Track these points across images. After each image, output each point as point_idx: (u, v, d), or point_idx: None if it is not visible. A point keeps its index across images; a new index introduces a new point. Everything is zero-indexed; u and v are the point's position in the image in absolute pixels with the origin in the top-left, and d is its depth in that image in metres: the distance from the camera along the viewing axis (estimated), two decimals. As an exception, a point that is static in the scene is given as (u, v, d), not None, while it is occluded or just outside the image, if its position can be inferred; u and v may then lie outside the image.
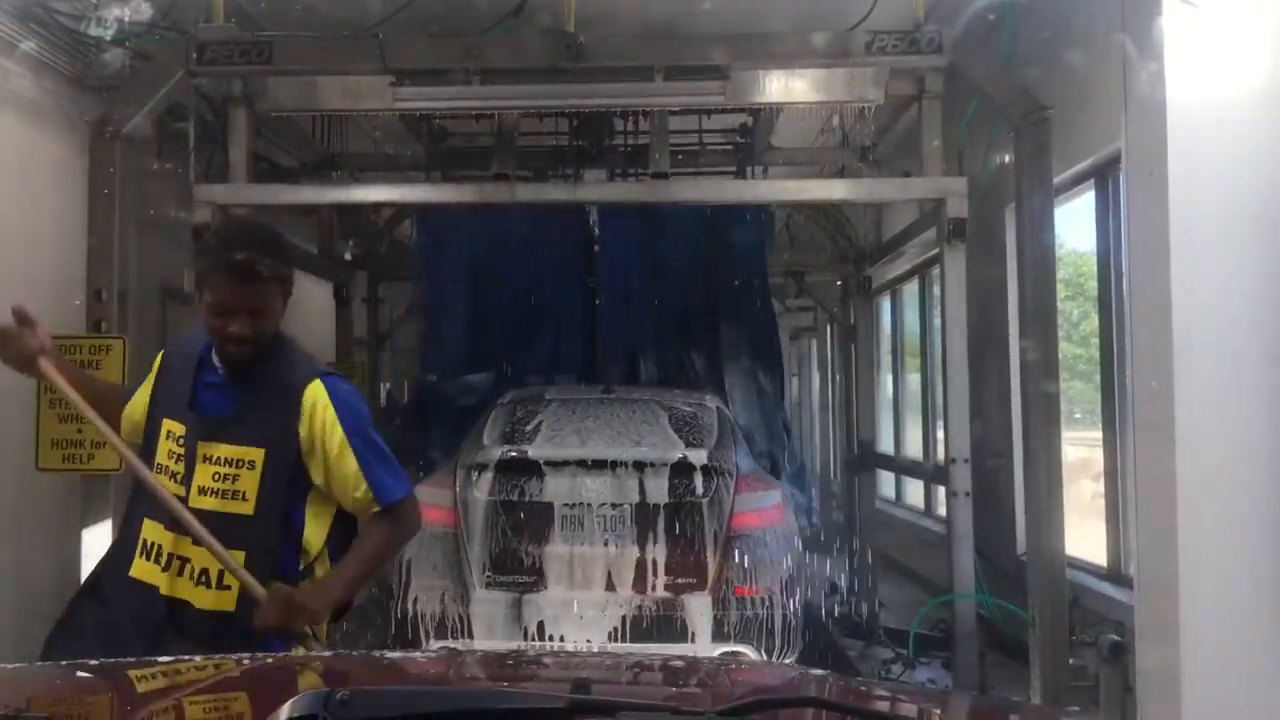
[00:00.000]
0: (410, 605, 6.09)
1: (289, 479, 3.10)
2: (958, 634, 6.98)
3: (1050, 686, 5.74)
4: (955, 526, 7.08)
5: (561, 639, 6.03)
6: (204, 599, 3.04)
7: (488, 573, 6.12)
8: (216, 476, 3.09)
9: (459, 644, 5.97)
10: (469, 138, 9.85)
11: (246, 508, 3.06)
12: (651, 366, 9.23)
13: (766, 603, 6.04)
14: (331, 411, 3.11)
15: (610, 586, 6.07)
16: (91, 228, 6.39)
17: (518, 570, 6.12)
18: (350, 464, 3.10)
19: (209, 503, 3.08)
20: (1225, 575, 4.14)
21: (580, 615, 6.04)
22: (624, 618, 6.01)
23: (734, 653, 5.88)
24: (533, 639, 5.99)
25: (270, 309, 3.12)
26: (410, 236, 10.17)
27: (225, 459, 3.10)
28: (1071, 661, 5.80)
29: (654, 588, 6.05)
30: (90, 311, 6.36)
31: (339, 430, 3.10)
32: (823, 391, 15.86)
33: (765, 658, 5.84)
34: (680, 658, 2.40)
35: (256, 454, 3.09)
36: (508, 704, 1.61)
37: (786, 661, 5.96)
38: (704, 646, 5.92)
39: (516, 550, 6.13)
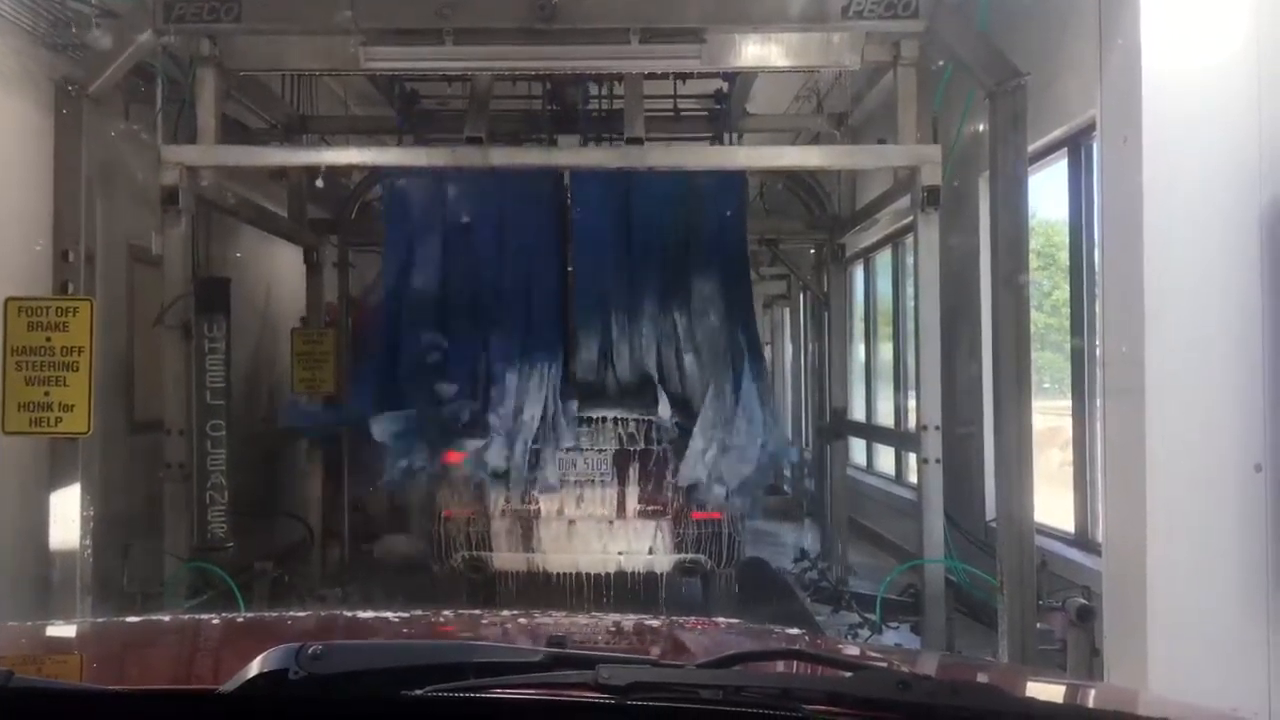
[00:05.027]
0: (444, 527, 7.94)
1: None
2: (926, 599, 7.04)
3: (1018, 650, 5.80)
4: (925, 493, 7.12)
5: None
6: None
7: (504, 501, 7.86)
8: None
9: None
10: (442, 101, 9.74)
11: None
12: (624, 334, 9.17)
13: (715, 525, 7.82)
14: None
15: (598, 511, 7.85)
16: (57, 188, 6.28)
17: (527, 499, 7.86)
18: None
19: None
20: (1192, 539, 4.19)
21: (574, 533, 7.82)
22: (608, 535, 7.82)
23: (692, 560, 7.82)
24: (538, 552, 7.84)
25: None
26: (380, 200, 10.05)
27: None
28: (1039, 625, 5.86)
29: (630, 512, 7.83)
30: (57, 272, 6.26)
31: None
32: (796, 359, 15.90)
33: (715, 566, 7.85)
34: (659, 618, 2.40)
35: None
36: (484, 658, 1.60)
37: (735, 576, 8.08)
38: (667, 556, 7.83)
39: (526, 483, 7.82)
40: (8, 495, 6.65)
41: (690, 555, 7.82)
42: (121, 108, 7.51)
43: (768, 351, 17.84)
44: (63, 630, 2.32)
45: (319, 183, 9.28)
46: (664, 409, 7.99)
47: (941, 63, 6.96)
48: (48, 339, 6.03)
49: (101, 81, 6.30)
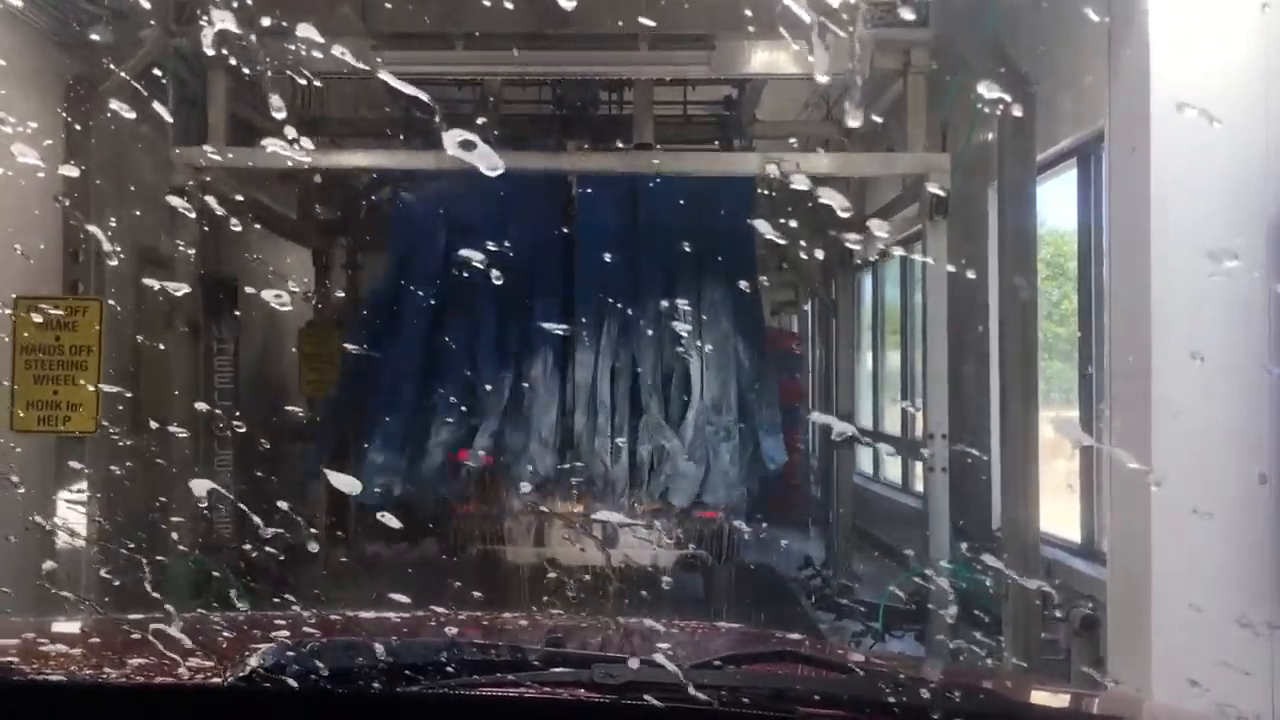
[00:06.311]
0: (456, 523, 8.21)
1: None
2: (930, 607, 7.01)
3: (1022, 658, 5.78)
4: (932, 501, 7.10)
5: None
6: None
7: (512, 498, 8.21)
8: None
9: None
10: (451, 105, 9.75)
11: None
12: (624, 337, 9.16)
13: (716, 522, 8.13)
14: None
15: (603, 508, 8.03)
16: (68, 188, 6.31)
17: (535, 496, 8.24)
18: None
19: None
20: (1196, 549, 4.18)
21: (580, 529, 8.24)
22: (613, 531, 7.96)
23: (694, 554, 8.17)
24: (546, 546, 8.20)
25: None
26: (388, 202, 10.05)
27: None
28: (1043, 635, 5.85)
29: (636, 509, 8.06)
30: (67, 272, 6.30)
31: None
32: (803, 365, 15.87)
33: (716, 561, 8.25)
34: (657, 620, 2.40)
35: None
36: (480, 656, 1.60)
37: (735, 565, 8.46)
38: (671, 551, 8.17)
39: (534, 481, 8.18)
40: (12, 491, 6.67)
41: (692, 551, 8.21)
42: (132, 108, 7.53)
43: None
44: (63, 626, 2.32)
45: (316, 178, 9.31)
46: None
47: (940, 69, 6.95)
48: (57, 338, 6.06)
49: (112, 81, 6.33)
